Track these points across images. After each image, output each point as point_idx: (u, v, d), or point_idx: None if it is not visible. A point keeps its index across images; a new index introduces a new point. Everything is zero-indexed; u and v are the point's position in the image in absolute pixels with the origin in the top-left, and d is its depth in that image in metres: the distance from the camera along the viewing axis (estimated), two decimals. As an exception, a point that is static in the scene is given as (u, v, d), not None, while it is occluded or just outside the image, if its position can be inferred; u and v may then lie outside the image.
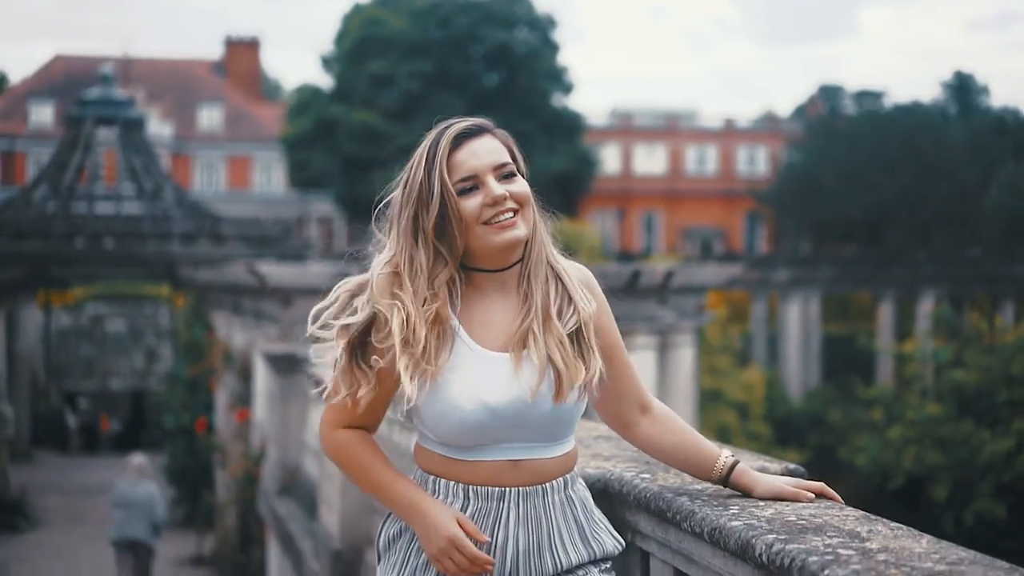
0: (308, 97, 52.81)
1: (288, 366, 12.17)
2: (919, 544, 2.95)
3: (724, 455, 3.23)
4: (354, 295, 2.91)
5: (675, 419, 3.20)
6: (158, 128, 60.34)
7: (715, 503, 3.43)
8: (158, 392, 29.85)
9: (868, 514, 3.30)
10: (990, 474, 23.49)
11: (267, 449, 13.74)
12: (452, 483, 2.88)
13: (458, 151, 2.89)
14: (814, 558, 2.82)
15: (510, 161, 2.93)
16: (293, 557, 10.93)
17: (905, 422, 25.42)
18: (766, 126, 67.22)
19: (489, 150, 2.91)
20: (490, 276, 2.93)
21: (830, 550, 2.87)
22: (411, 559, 2.91)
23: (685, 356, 22.69)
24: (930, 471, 24.10)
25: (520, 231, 2.87)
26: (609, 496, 3.91)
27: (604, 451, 4.40)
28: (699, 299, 22.24)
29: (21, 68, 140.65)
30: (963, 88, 65.32)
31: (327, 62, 53.32)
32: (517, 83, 51.76)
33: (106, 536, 16.89)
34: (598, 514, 3.10)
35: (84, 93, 34.16)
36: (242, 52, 68.57)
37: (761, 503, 3.41)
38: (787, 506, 3.38)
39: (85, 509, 26.02)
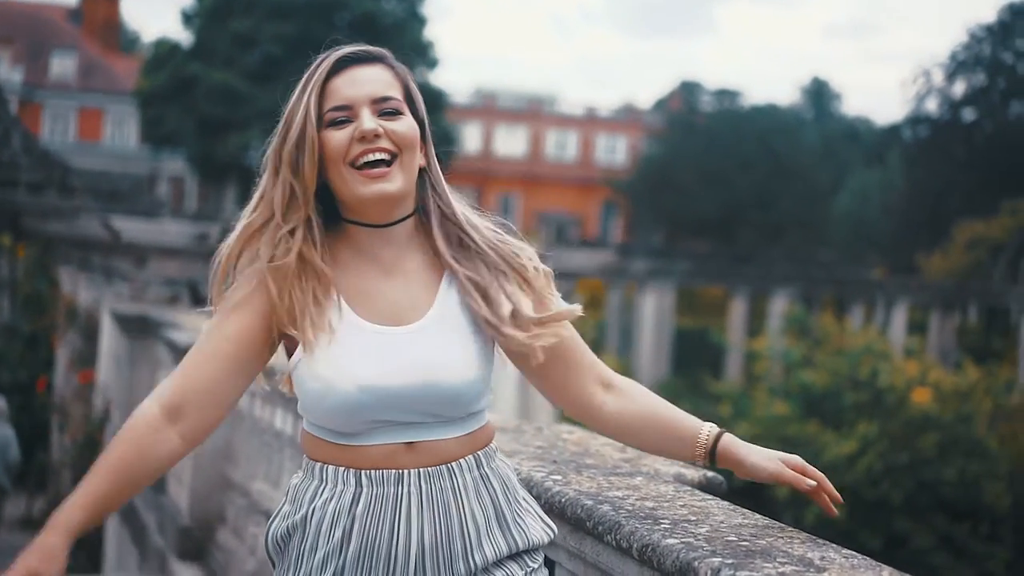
0: (166, 52, 51.64)
1: (139, 327, 11.63)
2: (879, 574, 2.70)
3: (707, 426, 2.77)
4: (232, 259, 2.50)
5: (644, 390, 2.79)
6: (7, 73, 58.33)
7: (642, 515, 3.15)
8: (-7, 345, 28.79)
9: (814, 537, 3.05)
10: (832, 476, 23.68)
11: (111, 413, 13.16)
12: (342, 469, 2.44)
13: (337, 76, 2.46)
14: (769, 589, 2.55)
15: (397, 97, 2.50)
16: (134, 529, 10.44)
17: (752, 419, 25.65)
18: (627, 116, 67.62)
19: (372, 79, 2.48)
20: (373, 233, 2.50)
21: (786, 580, 2.61)
22: (304, 559, 2.46)
23: (550, 343, 22.49)
24: (773, 469, 24.28)
25: (392, 184, 2.45)
26: (515, 498, 3.61)
27: (503, 445, 4.09)
28: (569, 286, 22.02)
29: None
30: (819, 94, 66.68)
31: (188, 17, 52.15)
32: (382, 54, 51.25)
33: None
34: (523, 495, 2.64)
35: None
36: (101, 0, 66.71)
37: (692, 517, 3.14)
38: (721, 522, 3.11)
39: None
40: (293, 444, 6.83)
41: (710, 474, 3.84)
